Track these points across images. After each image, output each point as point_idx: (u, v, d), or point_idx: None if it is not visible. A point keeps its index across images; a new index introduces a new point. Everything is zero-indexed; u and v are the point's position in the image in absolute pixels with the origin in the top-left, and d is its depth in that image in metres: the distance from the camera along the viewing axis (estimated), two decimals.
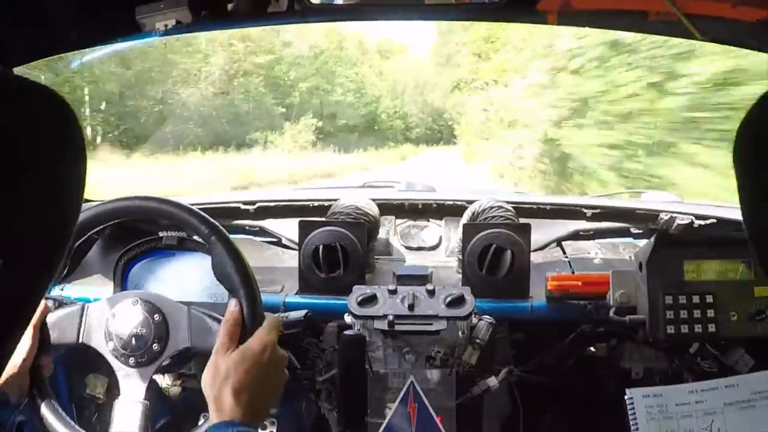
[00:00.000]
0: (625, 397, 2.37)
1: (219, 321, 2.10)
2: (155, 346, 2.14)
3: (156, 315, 2.15)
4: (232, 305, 2.00)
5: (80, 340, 2.19)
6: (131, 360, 2.14)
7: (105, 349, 2.17)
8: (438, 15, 2.71)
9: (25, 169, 0.96)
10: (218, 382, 1.83)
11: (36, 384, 2.15)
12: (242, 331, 1.96)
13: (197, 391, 1.96)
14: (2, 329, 1.01)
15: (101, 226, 2.22)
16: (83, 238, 2.32)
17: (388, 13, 2.61)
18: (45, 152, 1.00)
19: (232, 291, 2.05)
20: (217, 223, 2.11)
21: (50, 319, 2.19)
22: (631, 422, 2.36)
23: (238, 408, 1.78)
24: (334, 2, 2.49)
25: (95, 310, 2.21)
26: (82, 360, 2.76)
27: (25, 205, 0.96)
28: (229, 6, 2.37)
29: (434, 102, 55.62)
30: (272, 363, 1.92)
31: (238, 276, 2.04)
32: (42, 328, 2.16)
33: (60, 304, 2.51)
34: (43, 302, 2.19)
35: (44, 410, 2.15)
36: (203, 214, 2.12)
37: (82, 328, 2.20)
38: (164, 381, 2.59)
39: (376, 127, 49.81)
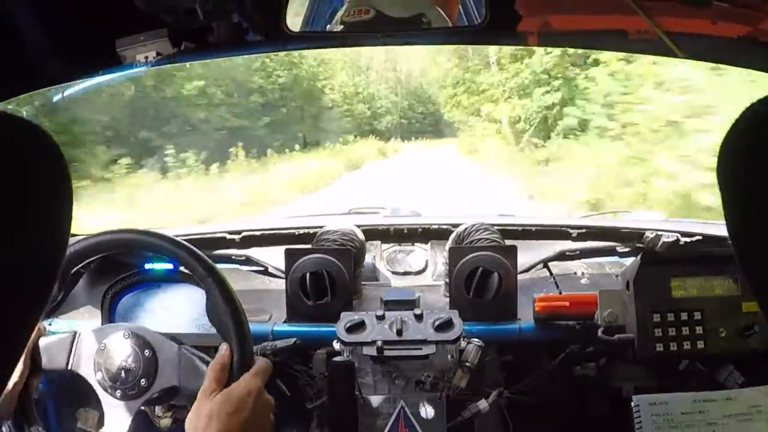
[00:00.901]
0: (632, 404, 2.37)
1: (208, 363, 2.09)
2: (143, 381, 2.13)
3: (146, 351, 2.15)
4: (223, 349, 2.00)
5: (69, 367, 2.19)
6: (118, 392, 2.13)
7: (93, 378, 2.16)
8: (420, 39, 2.72)
9: (11, 204, 0.96)
10: (201, 425, 1.83)
11: (24, 407, 2.14)
12: (229, 374, 1.96)
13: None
14: None
15: (90, 259, 2.22)
16: (71, 272, 2.32)
17: (368, 39, 2.62)
18: (30, 188, 0.99)
19: (224, 336, 2.05)
20: (213, 264, 2.10)
21: (42, 342, 2.19)
22: (636, 430, 2.36)
23: None
24: (314, 30, 2.51)
25: (86, 339, 2.21)
26: (73, 393, 2.75)
27: (12, 240, 0.96)
28: (209, 37, 2.38)
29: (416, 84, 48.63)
30: (257, 408, 1.91)
31: (231, 321, 2.04)
32: (34, 350, 2.16)
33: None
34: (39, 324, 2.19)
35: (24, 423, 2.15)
36: (199, 252, 2.12)
37: (72, 356, 2.19)
38: (155, 412, 2.58)
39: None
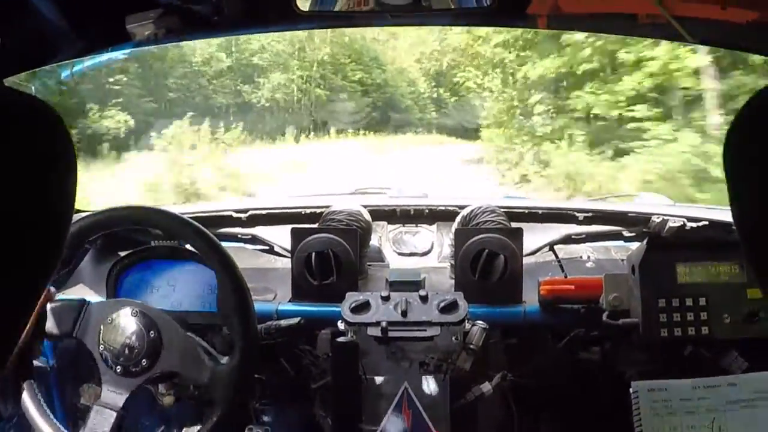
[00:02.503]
0: (630, 390, 2.37)
1: (211, 356, 2.10)
2: (144, 362, 2.14)
3: (152, 331, 2.16)
4: None
5: (74, 334, 2.21)
6: (119, 368, 2.14)
7: (95, 349, 2.17)
8: (430, 21, 2.72)
9: (15, 180, 0.96)
10: None
11: (22, 363, 2.15)
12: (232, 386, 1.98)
13: (191, 400, 1.97)
14: None
15: (96, 235, 2.23)
16: (78, 247, 2.33)
17: (379, 20, 2.62)
18: (35, 163, 1.00)
19: (232, 342, 2.11)
20: (232, 260, 2.12)
21: (50, 306, 2.20)
22: (634, 416, 2.36)
23: None
24: (325, 9, 2.50)
25: (95, 309, 2.22)
26: (77, 369, 2.76)
27: (17, 216, 0.96)
28: (219, 14, 2.37)
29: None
30: None
31: (240, 336, 2.10)
32: (41, 314, 2.17)
33: None
34: (48, 288, 2.19)
35: (25, 390, 2.16)
36: (215, 240, 2.14)
37: (78, 324, 2.21)
38: (158, 390, 2.59)
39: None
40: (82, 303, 2.23)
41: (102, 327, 2.18)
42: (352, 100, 32.24)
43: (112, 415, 2.12)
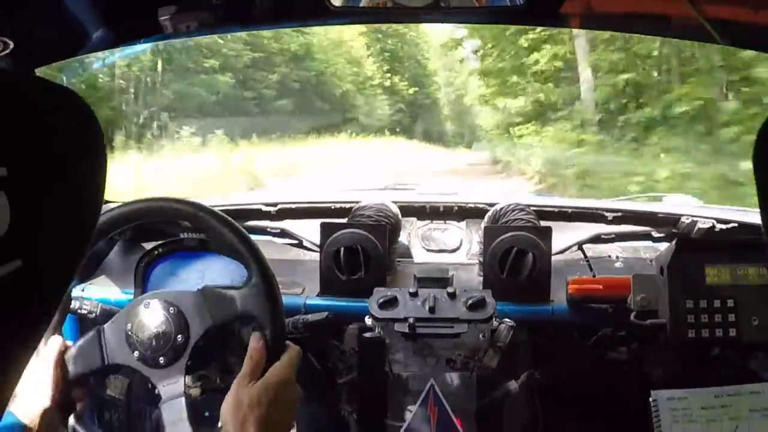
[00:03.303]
0: (650, 399, 2.37)
1: (233, 288, 2.11)
2: (179, 338, 2.14)
3: (171, 309, 2.16)
4: (255, 340, 2.03)
5: (106, 362, 2.20)
6: (161, 360, 2.15)
7: (132, 360, 2.18)
8: (460, 18, 2.72)
9: (46, 171, 0.96)
10: (241, 413, 1.87)
11: (67, 414, 2.17)
12: (264, 365, 1.99)
13: (216, 393, 1.98)
14: (21, 330, 1.02)
15: (122, 228, 2.24)
16: (104, 239, 2.34)
17: (410, 16, 2.62)
18: (66, 154, 1.00)
19: (261, 324, 2.09)
20: (256, 246, 2.12)
21: (70, 353, 2.20)
22: (654, 424, 2.36)
23: None
24: (357, 4, 2.50)
25: (111, 328, 2.22)
26: (136, 398, 2.78)
27: (46, 207, 0.97)
28: (252, 8, 2.38)
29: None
30: (289, 397, 2.00)
31: (270, 313, 2.07)
32: (62, 363, 2.18)
33: (80, 309, 2.55)
34: (59, 339, 2.21)
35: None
36: (245, 234, 2.14)
37: (104, 351, 2.21)
38: (185, 382, 2.61)
39: None
40: (96, 332, 2.23)
41: (126, 337, 2.18)
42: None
43: (181, 401, 2.13)
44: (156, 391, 2.21)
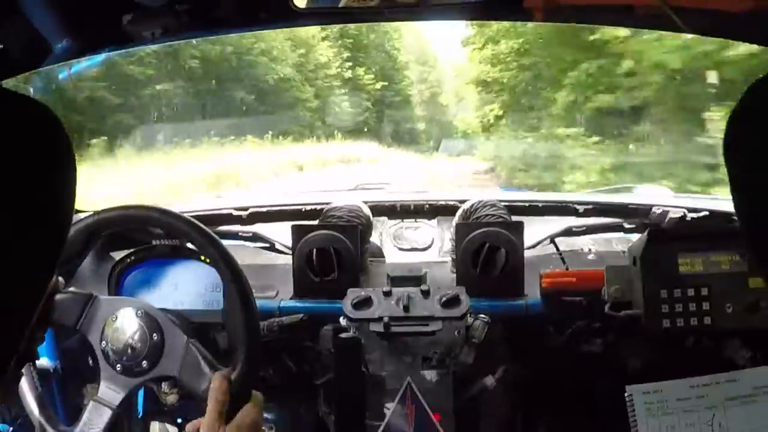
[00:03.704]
0: (625, 394, 2.38)
1: (212, 365, 2.09)
2: (144, 363, 2.13)
3: (155, 334, 2.15)
4: (218, 381, 1.97)
5: (78, 327, 2.19)
6: (118, 366, 2.13)
7: (98, 345, 2.16)
8: (428, 16, 2.71)
9: (15, 182, 0.96)
10: None
11: (25, 352, 2.15)
12: (230, 408, 1.95)
13: (193, 399, 1.97)
14: None
15: (97, 235, 2.23)
16: (79, 249, 2.33)
17: (376, 15, 2.61)
18: (34, 165, 1.00)
19: (234, 345, 2.08)
20: (235, 262, 2.11)
21: (58, 297, 2.19)
22: (630, 419, 2.36)
23: None
24: (323, 6, 2.49)
25: (100, 305, 2.20)
26: (79, 371, 2.76)
27: (16, 218, 0.96)
28: (216, 13, 2.37)
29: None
30: None
31: (243, 343, 2.06)
32: (47, 304, 2.17)
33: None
34: (55, 278, 2.20)
35: (24, 375, 2.16)
36: (229, 253, 2.13)
37: (83, 317, 2.19)
38: (161, 388, 2.60)
39: None
40: (89, 297, 2.22)
41: (106, 323, 2.17)
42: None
43: (108, 413, 2.11)
44: (96, 385, 2.20)
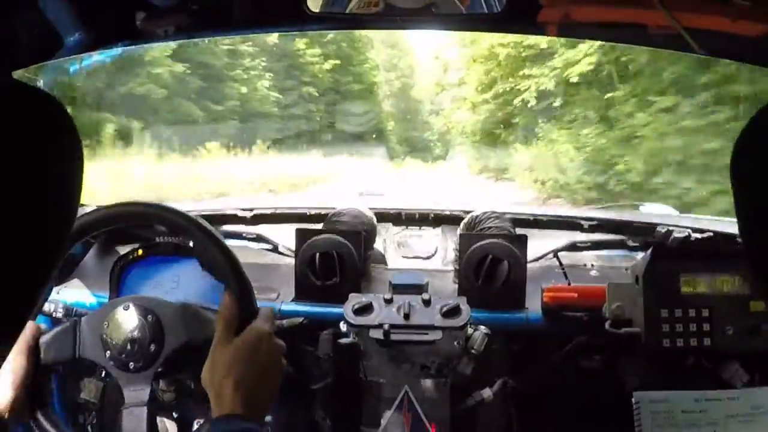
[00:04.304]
0: (632, 401, 2.38)
1: (214, 312, 2.10)
2: (152, 347, 2.13)
3: (149, 316, 2.15)
4: (226, 298, 2.00)
5: (77, 355, 2.19)
6: (130, 365, 2.14)
7: (103, 359, 2.17)
8: (439, 25, 2.71)
9: (22, 173, 0.96)
10: (219, 376, 1.83)
11: (36, 401, 2.15)
12: (238, 323, 1.96)
13: (191, 397, 1.97)
14: None
15: (98, 232, 2.23)
16: (79, 243, 2.33)
17: (389, 23, 2.61)
18: (42, 157, 1.00)
19: (225, 283, 2.07)
20: (201, 220, 2.11)
21: (44, 339, 2.19)
22: (636, 427, 2.36)
23: (239, 401, 1.78)
24: (334, 11, 2.50)
25: (88, 322, 2.21)
26: (76, 366, 2.76)
27: (21, 209, 0.97)
28: (229, 13, 2.37)
29: None
30: (270, 354, 1.93)
31: (230, 272, 2.05)
32: (35, 350, 2.17)
33: (55, 312, 2.54)
34: (33, 325, 2.21)
35: (41, 418, 2.15)
36: (194, 216, 2.12)
37: (77, 343, 2.19)
38: (159, 386, 2.60)
39: None
40: (73, 323, 2.23)
41: (101, 336, 2.18)
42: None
43: (143, 411, 2.12)
44: (101, 385, 2.20)
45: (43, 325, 2.27)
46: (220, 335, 1.92)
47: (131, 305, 2.18)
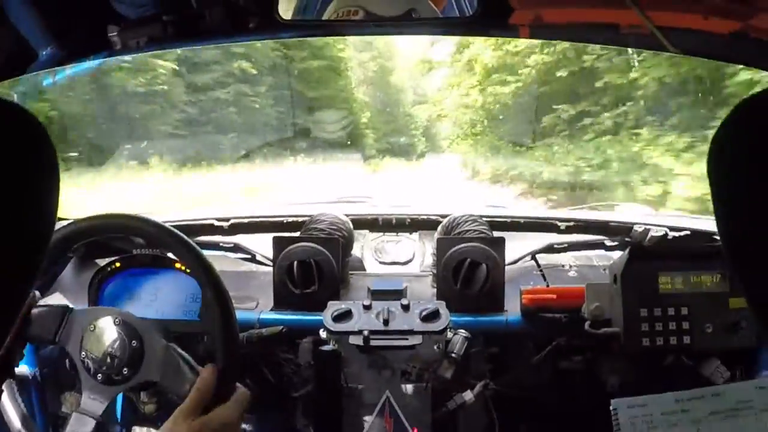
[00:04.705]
0: (610, 408, 2.38)
1: (192, 368, 2.09)
2: (126, 371, 2.12)
3: (134, 341, 2.14)
4: (207, 371, 1.99)
5: (57, 339, 2.19)
6: (99, 376, 2.13)
7: (77, 356, 2.16)
8: (413, 30, 2.72)
9: None
10: None
11: (4, 367, 2.14)
12: (211, 399, 1.95)
13: (173, 409, 1.96)
14: None
15: (76, 245, 2.22)
16: (59, 255, 2.32)
17: (361, 29, 2.62)
18: (18, 171, 0.99)
19: (213, 351, 2.06)
20: (215, 272, 2.10)
21: (35, 311, 2.18)
22: None
23: None
24: (307, 18, 2.50)
25: (78, 316, 2.20)
26: (58, 378, 2.75)
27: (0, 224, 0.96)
28: (201, 23, 2.37)
29: None
30: None
31: (222, 342, 2.04)
32: (24, 320, 2.16)
33: None
34: (32, 293, 2.20)
35: (4, 391, 2.15)
36: (196, 247, 2.12)
37: (61, 330, 2.19)
38: (140, 398, 2.59)
39: None
40: (65, 309, 2.22)
41: (84, 334, 2.17)
42: None
43: (91, 423, 2.11)
44: (80, 398, 2.20)
45: (37, 294, 2.26)
46: (187, 408, 1.90)
47: (121, 321, 2.17)
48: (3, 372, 2.15)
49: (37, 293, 2.28)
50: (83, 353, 2.15)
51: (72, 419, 2.12)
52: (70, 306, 2.24)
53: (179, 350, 2.17)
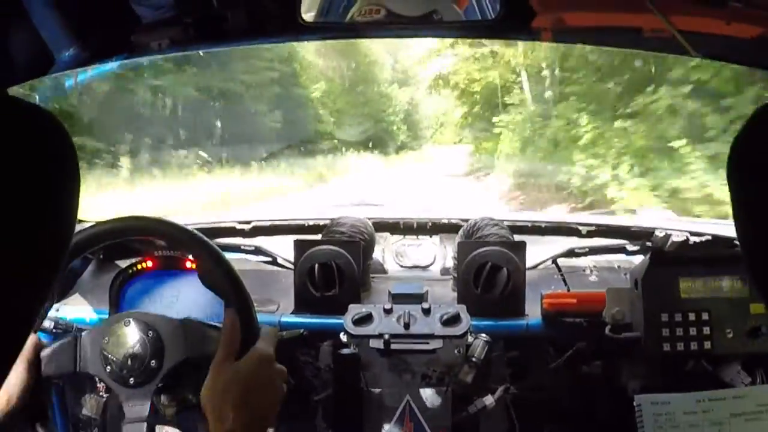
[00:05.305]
0: (634, 404, 2.37)
1: (215, 329, 2.10)
2: (152, 363, 2.14)
3: (149, 332, 2.16)
4: (229, 317, 1.99)
5: (78, 369, 2.20)
6: (130, 380, 2.14)
7: (103, 373, 2.18)
8: (434, 33, 2.72)
9: (20, 190, 0.96)
10: (218, 397, 1.83)
11: (35, 414, 2.16)
12: (240, 344, 1.95)
13: (192, 411, 1.96)
14: None
15: (97, 247, 2.23)
16: (78, 259, 2.33)
17: (384, 31, 2.62)
18: (39, 173, 1.00)
19: (226, 301, 2.09)
20: (206, 239, 2.11)
21: (45, 352, 2.20)
22: (638, 430, 2.36)
23: (237, 421, 1.78)
24: (330, 21, 2.50)
25: (88, 337, 2.22)
26: (77, 381, 2.76)
27: (19, 226, 0.96)
28: (223, 25, 2.37)
29: None
30: (270, 377, 1.93)
31: (232, 292, 2.04)
32: (36, 363, 2.17)
33: (55, 329, 2.54)
34: (34, 338, 2.22)
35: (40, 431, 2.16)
36: (195, 231, 2.12)
37: (78, 358, 2.21)
38: (160, 401, 2.60)
39: None
40: (74, 338, 2.24)
41: (101, 351, 2.18)
42: None
43: (143, 427, 2.13)
44: (101, 400, 2.21)
45: (44, 340, 2.28)
46: (221, 356, 1.91)
47: (132, 321, 2.19)
48: (33, 413, 2.18)
49: (44, 340, 2.30)
50: (108, 368, 2.17)
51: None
52: (77, 334, 2.25)
53: (194, 320, 2.18)
